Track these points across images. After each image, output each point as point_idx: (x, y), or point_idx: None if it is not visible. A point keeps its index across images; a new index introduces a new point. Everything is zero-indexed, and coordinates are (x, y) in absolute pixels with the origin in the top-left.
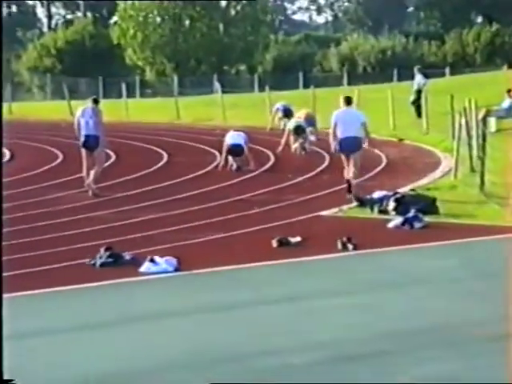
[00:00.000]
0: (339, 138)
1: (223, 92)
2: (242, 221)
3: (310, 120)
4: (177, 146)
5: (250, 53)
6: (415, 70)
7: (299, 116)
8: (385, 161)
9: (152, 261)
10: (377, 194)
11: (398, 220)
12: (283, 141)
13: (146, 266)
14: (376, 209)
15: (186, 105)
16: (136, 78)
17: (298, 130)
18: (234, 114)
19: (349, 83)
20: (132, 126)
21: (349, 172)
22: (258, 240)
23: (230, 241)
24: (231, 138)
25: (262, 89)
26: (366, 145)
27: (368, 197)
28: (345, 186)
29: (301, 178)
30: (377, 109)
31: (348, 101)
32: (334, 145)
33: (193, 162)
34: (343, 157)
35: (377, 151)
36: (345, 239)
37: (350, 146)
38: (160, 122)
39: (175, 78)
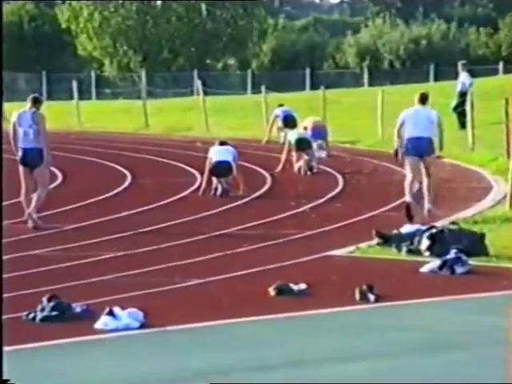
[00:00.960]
0: (406, 137)
1: (206, 93)
2: (228, 262)
3: (319, 131)
4: (144, 163)
5: (242, 42)
6: (459, 65)
7: (305, 126)
8: (417, 184)
9: (111, 314)
10: (406, 229)
11: (434, 263)
12: (283, 158)
13: (102, 321)
14: (404, 248)
15: (156, 109)
16: (91, 74)
17: (303, 144)
18: (219, 121)
19: (370, 83)
20: (86, 136)
21: (419, 182)
22: (249, 287)
23: (212, 288)
24: (216, 154)
25: (256, 89)
26: (436, 154)
27: (394, 232)
28: (368, 216)
29: (306, 207)
30: None
31: (423, 98)
32: (396, 146)
33: (165, 184)
34: (408, 164)
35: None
36: (364, 288)
37: (420, 147)
38: (123, 132)
39: (143, 75)
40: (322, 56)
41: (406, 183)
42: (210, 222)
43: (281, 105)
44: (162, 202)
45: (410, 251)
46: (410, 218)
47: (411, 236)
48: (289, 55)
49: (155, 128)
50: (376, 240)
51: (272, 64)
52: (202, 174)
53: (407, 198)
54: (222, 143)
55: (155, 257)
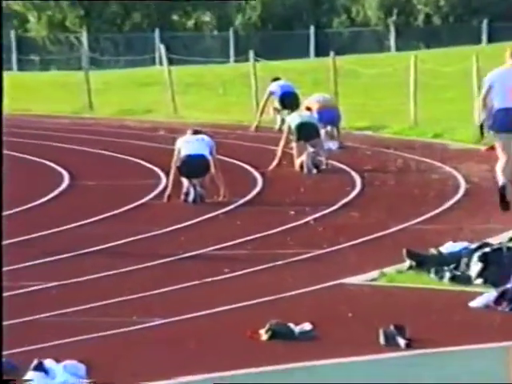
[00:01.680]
0: (495, 108)
1: (171, 62)
2: (204, 293)
3: (329, 113)
4: (88, 158)
5: None
6: None
7: (308, 106)
8: (463, 186)
9: (40, 368)
10: (448, 247)
11: (489, 295)
12: (280, 150)
13: (30, 376)
14: (447, 274)
15: (103, 85)
16: (10, 35)
17: (307, 132)
18: (191, 101)
19: (399, 47)
20: (7, 121)
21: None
22: (233, 328)
23: (181, 330)
24: (187, 146)
25: (241, 56)
26: None
27: (432, 252)
28: (396, 230)
29: (311, 218)
30: (450, 90)
31: None
32: (481, 118)
33: (117, 187)
34: (499, 143)
35: (448, 168)
36: (391, 329)
37: None
38: (57, 116)
39: (84, 36)
40: (332, 9)
41: (498, 167)
42: (178, 239)
43: (276, 78)
44: (113, 212)
45: (454, 278)
46: (507, 207)
47: (456, 257)
48: (286, 9)
49: (102, 110)
50: (407, 263)
51: (263, 21)
52: (167, 173)
53: (500, 182)
54: (196, 132)
55: (104, 287)
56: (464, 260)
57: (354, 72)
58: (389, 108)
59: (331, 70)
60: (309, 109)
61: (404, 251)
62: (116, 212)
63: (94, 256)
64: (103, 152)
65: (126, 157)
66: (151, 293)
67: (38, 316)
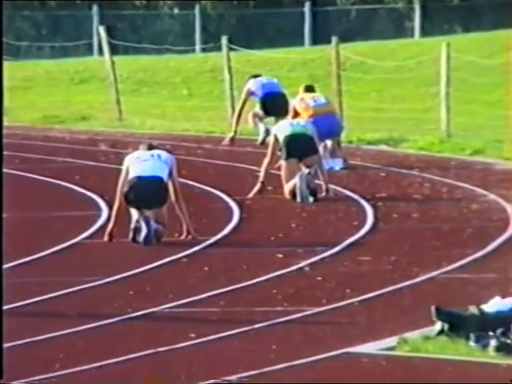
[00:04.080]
0: None
1: (115, 51)
2: (158, 366)
3: (329, 121)
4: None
5: None
6: None
7: (299, 109)
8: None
9: None
10: (494, 305)
11: None
12: (264, 171)
13: None
14: (493, 341)
15: (22, 80)
16: None
17: (300, 146)
18: (142, 104)
19: (425, 31)
20: None
21: None
22: None
23: None
24: (138, 165)
25: (211, 43)
26: None
27: (472, 311)
28: (420, 280)
29: (305, 263)
30: (495, 90)
31: None
32: None
33: (39, 221)
34: None
35: (492, 196)
36: None
37: None
38: None
39: None
40: None
41: None
42: (125, 293)
43: (256, 75)
44: (34, 256)
45: (502, 347)
46: None
47: (505, 319)
48: None
49: (20, 116)
50: (438, 325)
51: None
52: (109, 202)
53: None
54: (150, 147)
55: (18, 359)
56: None
57: (365, 65)
58: (412, 114)
59: (333, 63)
60: (297, 113)
61: (433, 309)
62: (38, 255)
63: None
64: (21, 173)
65: (53, 180)
66: (86, 367)
67: None
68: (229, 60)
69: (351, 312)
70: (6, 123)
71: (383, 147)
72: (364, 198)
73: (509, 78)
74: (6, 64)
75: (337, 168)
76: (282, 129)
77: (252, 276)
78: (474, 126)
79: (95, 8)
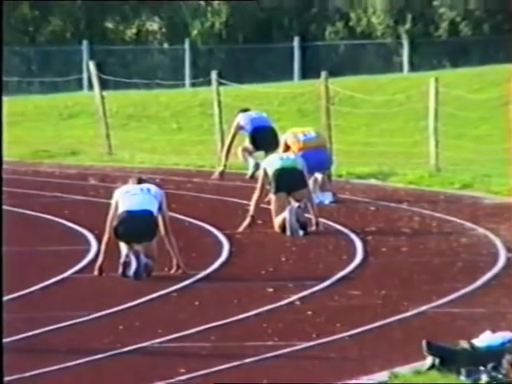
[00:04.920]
0: None
1: (105, 86)
2: None
3: (318, 155)
4: None
5: None
6: None
7: (286, 142)
8: (503, 254)
9: None
10: (485, 340)
11: None
12: (253, 205)
13: None
14: (484, 376)
15: (11, 116)
16: None
17: (290, 180)
18: (132, 138)
19: (413, 65)
20: None
21: None
22: None
23: None
24: (127, 199)
25: (200, 77)
26: None
27: (462, 345)
28: (411, 314)
29: (295, 297)
30: (483, 125)
31: None
32: None
33: (28, 255)
34: None
35: (481, 230)
36: None
37: None
38: None
39: None
40: (323, 15)
41: None
42: (115, 328)
43: (245, 109)
44: (22, 292)
45: (492, 382)
46: None
47: (496, 353)
48: (261, 14)
49: (9, 151)
50: (428, 360)
51: (229, 30)
52: (98, 236)
53: None
54: (140, 181)
55: None
56: (507, 357)
57: (354, 99)
58: (401, 148)
59: (323, 97)
60: (288, 147)
61: (423, 344)
62: (27, 291)
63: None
64: (9, 208)
65: (43, 214)
66: None
67: None
68: (218, 94)
69: (342, 347)
70: None
71: (372, 181)
72: (354, 231)
73: (499, 115)
74: None
75: (326, 202)
76: (271, 163)
77: (242, 310)
78: (463, 160)
79: (85, 43)
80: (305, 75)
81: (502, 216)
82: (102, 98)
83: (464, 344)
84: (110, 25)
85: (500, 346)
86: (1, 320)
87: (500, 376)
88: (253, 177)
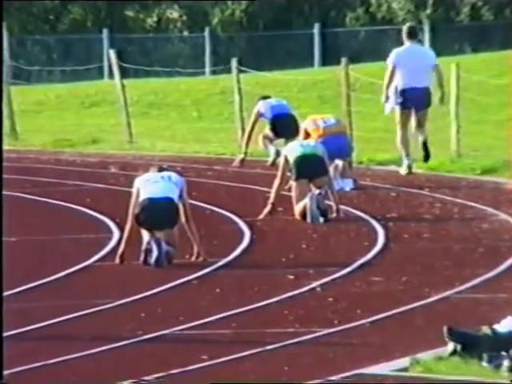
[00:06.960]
0: (400, 88)
1: (126, 74)
2: None
3: (339, 142)
4: (10, 204)
5: None
6: None
7: (306, 129)
8: None
9: None
10: (507, 325)
11: None
12: (274, 192)
13: None
14: (506, 361)
15: (32, 104)
16: None
17: (310, 167)
18: (153, 127)
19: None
20: None
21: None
22: None
23: None
24: (148, 187)
25: (220, 65)
26: (437, 101)
27: (484, 331)
28: (433, 300)
29: (317, 283)
30: (505, 110)
31: (411, 33)
32: (389, 98)
33: (50, 244)
34: (399, 112)
35: (503, 216)
36: None
37: (416, 100)
38: None
39: (5, 36)
40: (344, 1)
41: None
42: (136, 316)
43: (265, 97)
44: (45, 280)
45: None
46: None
47: None
48: (280, 1)
49: (31, 140)
50: (450, 346)
51: (249, 18)
52: (120, 224)
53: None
54: (161, 169)
55: None
56: None
57: (374, 86)
58: None
59: (343, 84)
60: (308, 135)
61: (445, 330)
62: (48, 279)
63: (15, 340)
64: (31, 197)
65: (64, 203)
66: None
67: None
68: (238, 82)
69: (363, 333)
70: (17, 147)
71: (393, 167)
72: (375, 218)
73: None
74: (17, 88)
75: (347, 188)
76: (291, 150)
77: (263, 297)
78: (484, 145)
79: (105, 32)
80: (325, 62)
81: None
82: (123, 86)
83: (486, 330)
84: (130, 13)
85: None
86: (1, 316)
87: None
88: (273, 164)
